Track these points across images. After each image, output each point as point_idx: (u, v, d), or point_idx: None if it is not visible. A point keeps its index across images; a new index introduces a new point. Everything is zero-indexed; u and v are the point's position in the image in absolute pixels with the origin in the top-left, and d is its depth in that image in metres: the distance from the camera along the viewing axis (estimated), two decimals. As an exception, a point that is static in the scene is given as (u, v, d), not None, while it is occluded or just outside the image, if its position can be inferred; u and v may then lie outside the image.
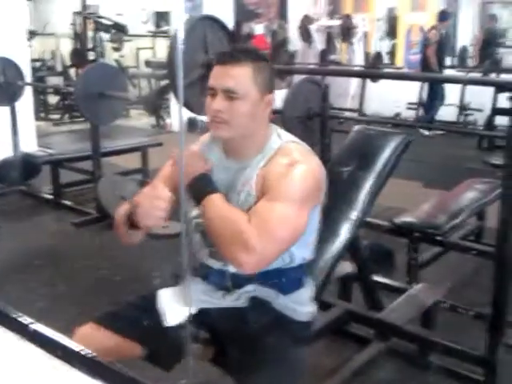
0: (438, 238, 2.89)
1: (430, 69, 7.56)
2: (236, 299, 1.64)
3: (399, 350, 2.44)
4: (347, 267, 2.53)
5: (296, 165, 1.51)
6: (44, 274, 3.39)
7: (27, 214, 4.52)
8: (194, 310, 1.62)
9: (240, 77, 1.51)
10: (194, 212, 1.64)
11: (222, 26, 2.59)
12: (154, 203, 1.47)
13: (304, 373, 1.65)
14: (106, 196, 4.25)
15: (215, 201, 1.51)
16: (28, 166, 4.89)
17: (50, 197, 4.79)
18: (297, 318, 1.68)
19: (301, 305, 1.69)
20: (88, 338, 1.61)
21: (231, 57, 1.54)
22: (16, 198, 4.84)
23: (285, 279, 1.64)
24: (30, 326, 0.85)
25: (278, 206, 1.47)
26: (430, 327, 2.41)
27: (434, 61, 7.62)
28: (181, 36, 2.29)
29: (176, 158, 1.61)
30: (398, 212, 3.29)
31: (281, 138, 1.61)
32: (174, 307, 1.66)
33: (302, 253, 1.64)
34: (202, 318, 1.62)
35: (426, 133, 7.28)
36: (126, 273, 3.38)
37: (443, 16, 8.09)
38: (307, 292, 1.72)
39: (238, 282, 1.61)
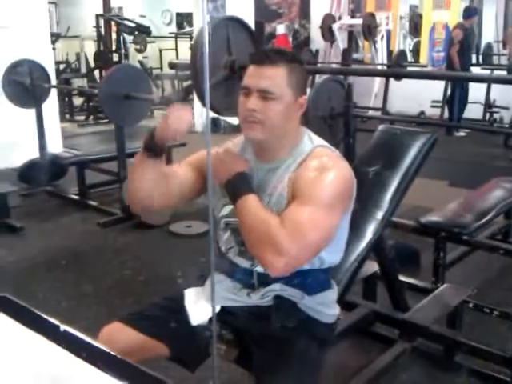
0: (465, 237, 2.84)
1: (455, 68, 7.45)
2: (261, 298, 1.63)
3: (425, 350, 2.41)
4: (372, 267, 2.51)
5: (327, 170, 1.51)
6: (69, 274, 3.43)
7: (53, 214, 4.57)
8: (218, 309, 1.62)
9: (276, 77, 1.53)
10: (225, 210, 1.65)
11: (246, 27, 2.58)
12: (179, 115, 1.57)
13: (325, 375, 1.65)
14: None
15: (251, 201, 1.51)
16: (54, 167, 4.96)
17: (76, 197, 4.85)
18: (321, 319, 1.67)
19: (326, 306, 1.69)
20: (114, 337, 1.64)
21: (267, 58, 1.55)
22: (42, 198, 4.91)
23: (311, 280, 1.63)
24: (57, 327, 0.86)
25: (309, 209, 1.47)
26: (456, 327, 2.38)
27: (456, 60, 7.52)
28: (205, 37, 2.30)
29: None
30: (423, 211, 3.25)
31: (312, 142, 1.61)
32: (199, 306, 1.68)
33: (332, 258, 1.65)
34: (225, 317, 1.64)
35: (462, 134, 7.23)
36: (150, 273, 3.40)
37: (468, 12, 7.95)
38: (332, 294, 1.72)
39: (264, 280, 1.62)
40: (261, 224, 1.46)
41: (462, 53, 7.59)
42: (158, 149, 1.59)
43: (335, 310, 1.72)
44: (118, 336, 1.64)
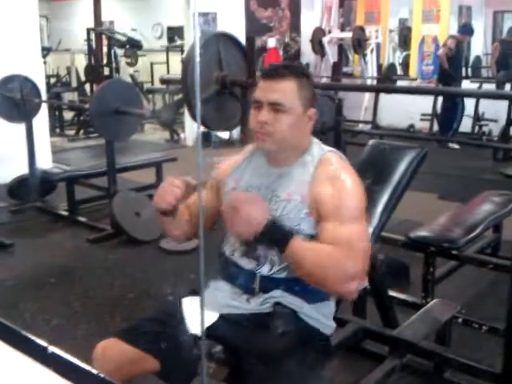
0: (454, 252, 2.85)
1: (447, 80, 7.48)
2: (261, 304, 1.65)
3: (415, 366, 2.41)
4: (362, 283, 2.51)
5: (344, 181, 1.61)
6: (58, 292, 3.40)
7: (43, 230, 4.54)
8: (216, 317, 1.65)
9: (286, 91, 1.60)
10: None
11: (236, 42, 2.60)
12: (167, 188, 1.64)
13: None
14: (121, 212, 4.27)
15: (301, 243, 1.54)
16: (43, 182, 4.94)
17: (66, 213, 4.82)
18: (321, 329, 1.69)
19: (325, 317, 1.70)
20: (108, 352, 1.66)
21: (277, 72, 1.63)
22: (32, 214, 4.87)
23: (311, 288, 1.64)
24: (45, 349, 0.85)
25: (349, 226, 1.55)
26: (445, 343, 2.38)
27: (444, 60, 7.59)
28: (196, 52, 2.31)
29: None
30: (413, 225, 3.27)
31: (322, 149, 1.70)
32: (197, 316, 1.67)
33: None
34: (221, 328, 1.64)
35: (456, 146, 7.25)
36: (140, 290, 3.39)
37: (465, 29, 8.02)
38: (331, 305, 1.74)
39: (266, 285, 1.64)
40: (323, 260, 1.52)
41: (454, 67, 7.65)
42: (167, 213, 1.69)
43: (332, 323, 1.74)
44: (112, 351, 1.66)
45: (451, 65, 7.61)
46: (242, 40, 2.59)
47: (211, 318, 1.66)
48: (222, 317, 1.66)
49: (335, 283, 1.52)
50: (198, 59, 0.86)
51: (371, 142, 2.55)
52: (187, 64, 2.42)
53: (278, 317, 1.63)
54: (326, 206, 1.57)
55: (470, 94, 2.35)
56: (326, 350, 1.72)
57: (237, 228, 1.54)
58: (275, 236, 1.54)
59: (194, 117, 2.41)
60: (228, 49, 2.54)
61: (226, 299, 1.68)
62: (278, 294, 1.64)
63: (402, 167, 2.23)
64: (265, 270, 1.63)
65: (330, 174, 1.61)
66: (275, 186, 1.65)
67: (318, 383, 1.65)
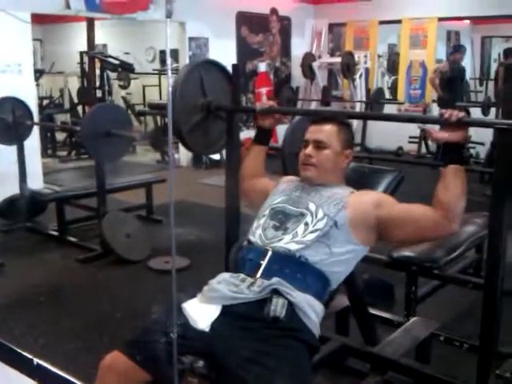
0: (435, 271, 2.91)
1: (444, 106, 7.59)
2: (259, 292, 1.79)
3: (395, 383, 2.46)
4: (345, 301, 2.56)
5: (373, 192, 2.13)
6: (48, 311, 3.43)
7: (33, 250, 4.58)
8: (219, 310, 1.78)
9: (328, 132, 2.06)
10: (277, 199, 2.06)
11: (221, 69, 2.67)
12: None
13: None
14: (111, 232, 4.32)
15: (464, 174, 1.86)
16: (34, 203, 4.99)
17: (56, 233, 4.86)
18: (308, 324, 1.80)
19: (314, 312, 1.82)
20: (113, 365, 1.74)
21: (323, 119, 2.12)
22: (22, 234, 4.91)
23: (311, 281, 1.84)
24: (30, 361, 0.90)
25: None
26: (424, 360, 2.44)
27: (437, 86, 7.75)
28: (180, 80, 2.38)
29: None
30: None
31: (351, 190, 2.05)
32: (202, 309, 1.81)
33: (340, 278, 1.96)
34: (220, 323, 1.75)
35: None
36: (128, 309, 3.42)
37: (455, 48, 8.30)
38: (320, 308, 1.86)
39: (272, 266, 1.84)
40: (462, 196, 1.84)
41: (452, 89, 7.78)
42: (265, 133, 2.36)
43: (318, 326, 1.85)
44: (115, 365, 1.74)
45: (449, 89, 7.75)
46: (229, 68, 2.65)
47: (214, 311, 1.79)
48: (223, 309, 1.79)
49: (458, 217, 1.84)
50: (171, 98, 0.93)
51: (351, 165, 2.62)
52: (173, 94, 2.47)
53: (272, 303, 1.76)
54: (376, 206, 1.93)
55: (394, 118, 2.40)
56: (313, 345, 1.81)
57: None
58: (460, 152, 1.89)
59: (181, 142, 2.49)
60: (212, 76, 2.59)
61: (226, 290, 1.82)
62: (276, 282, 1.79)
63: (380, 189, 2.30)
64: (287, 238, 1.89)
65: (362, 192, 2.05)
66: (308, 194, 2.03)
67: (309, 377, 1.74)
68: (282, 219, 1.96)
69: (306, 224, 1.91)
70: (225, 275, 1.92)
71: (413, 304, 2.95)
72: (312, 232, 1.89)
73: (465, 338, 2.85)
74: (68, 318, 3.33)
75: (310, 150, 2.04)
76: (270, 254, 1.88)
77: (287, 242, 1.89)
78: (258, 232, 1.98)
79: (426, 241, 1.93)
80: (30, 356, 0.92)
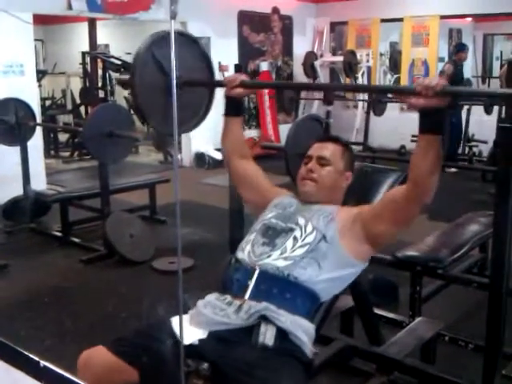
0: (440, 271, 2.91)
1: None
2: (246, 318, 1.72)
3: (400, 383, 2.45)
4: (349, 301, 2.56)
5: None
6: (52, 312, 3.44)
7: (36, 251, 4.59)
8: (205, 334, 1.73)
9: (332, 150, 2.08)
10: (269, 214, 2.02)
11: (192, 40, 2.44)
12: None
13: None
14: (114, 233, 4.32)
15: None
16: (37, 204, 4.99)
17: (59, 234, 4.86)
18: (300, 346, 1.75)
19: (306, 335, 1.77)
20: (92, 360, 1.76)
21: (328, 138, 2.18)
22: (26, 235, 4.92)
23: (300, 301, 1.78)
24: (37, 363, 0.90)
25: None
26: (430, 361, 2.43)
27: None
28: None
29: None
30: (403, 245, 3.32)
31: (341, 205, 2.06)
32: (188, 330, 1.75)
33: (332, 292, 1.92)
34: (209, 345, 1.70)
35: (453, 170, 7.27)
36: (132, 310, 3.42)
37: (459, 47, 8.23)
38: (311, 328, 1.81)
39: (260, 285, 1.79)
40: (435, 169, 1.76)
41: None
42: (234, 105, 2.19)
43: (311, 346, 1.80)
44: (96, 359, 1.75)
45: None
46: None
47: (200, 334, 1.73)
48: (209, 334, 1.73)
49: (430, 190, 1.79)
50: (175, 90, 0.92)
51: (355, 164, 2.62)
52: (133, 68, 2.32)
53: (260, 331, 1.71)
54: (359, 212, 1.93)
55: (363, 89, 2.32)
56: (305, 369, 1.76)
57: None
58: (435, 118, 1.78)
59: (144, 121, 2.31)
60: (184, 50, 2.40)
61: (213, 315, 1.76)
62: (263, 308, 1.72)
63: (383, 189, 2.29)
64: (275, 255, 1.84)
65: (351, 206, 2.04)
66: (303, 209, 2.00)
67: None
68: (272, 235, 1.92)
69: (295, 238, 1.88)
70: (211, 297, 1.85)
71: (417, 304, 2.95)
72: (301, 247, 1.85)
73: (470, 338, 2.85)
74: (72, 318, 3.33)
75: (312, 164, 2.05)
76: (257, 273, 1.82)
77: (275, 259, 1.84)
78: (248, 248, 1.93)
79: (408, 220, 1.84)
80: (36, 358, 0.91)
